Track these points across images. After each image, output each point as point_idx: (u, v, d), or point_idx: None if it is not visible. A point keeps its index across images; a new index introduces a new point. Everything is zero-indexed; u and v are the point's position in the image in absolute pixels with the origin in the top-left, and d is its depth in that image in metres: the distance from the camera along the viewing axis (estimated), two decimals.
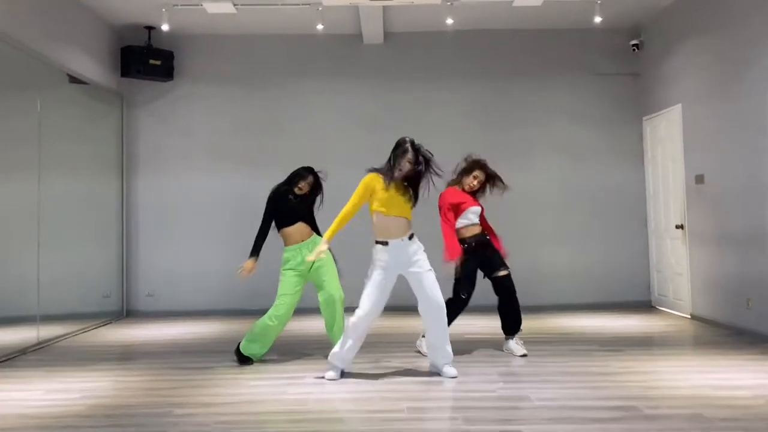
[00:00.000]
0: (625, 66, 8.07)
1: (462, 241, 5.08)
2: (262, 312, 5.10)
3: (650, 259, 7.90)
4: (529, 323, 5.97)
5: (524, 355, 5.05)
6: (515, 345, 5.16)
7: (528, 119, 8.01)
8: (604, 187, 7.99)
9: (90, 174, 7.21)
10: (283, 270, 4.97)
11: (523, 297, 5.31)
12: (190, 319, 7.45)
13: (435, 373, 4.57)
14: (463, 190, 5.21)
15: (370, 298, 4.37)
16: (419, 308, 4.50)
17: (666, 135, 7.47)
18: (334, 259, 5.03)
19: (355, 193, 4.44)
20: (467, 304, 5.14)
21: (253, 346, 4.95)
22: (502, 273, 5.14)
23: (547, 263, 7.82)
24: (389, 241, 4.39)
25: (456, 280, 5.08)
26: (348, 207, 4.43)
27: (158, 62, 7.64)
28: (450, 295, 5.03)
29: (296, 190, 5.02)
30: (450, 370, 4.49)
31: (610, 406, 3.74)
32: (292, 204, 5.00)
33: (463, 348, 5.32)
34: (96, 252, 7.28)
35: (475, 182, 5.18)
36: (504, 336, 5.26)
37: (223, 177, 7.95)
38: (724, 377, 4.40)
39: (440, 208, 5.12)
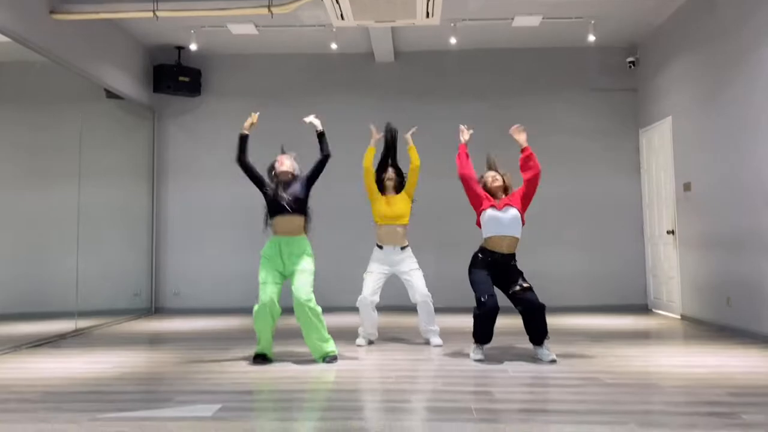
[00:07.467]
0: (623, 82, 8.52)
1: (480, 250, 4.91)
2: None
3: (646, 264, 8.33)
4: None
5: (553, 361, 4.67)
6: (543, 351, 4.77)
7: (530, 133, 7.93)
8: (603, 196, 8.43)
9: (124, 181, 7.84)
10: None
11: None
12: (212, 315, 8.01)
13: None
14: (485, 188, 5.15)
15: None
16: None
17: (659, 145, 7.92)
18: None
19: None
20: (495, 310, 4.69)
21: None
22: (519, 287, 4.76)
23: (549, 268, 8.16)
24: None
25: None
26: None
27: (187, 79, 8.32)
28: None
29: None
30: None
31: (576, 377, 4.22)
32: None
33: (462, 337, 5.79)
34: (128, 253, 7.88)
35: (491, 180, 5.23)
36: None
37: (244, 186, 8.31)
38: (689, 360, 4.84)
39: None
